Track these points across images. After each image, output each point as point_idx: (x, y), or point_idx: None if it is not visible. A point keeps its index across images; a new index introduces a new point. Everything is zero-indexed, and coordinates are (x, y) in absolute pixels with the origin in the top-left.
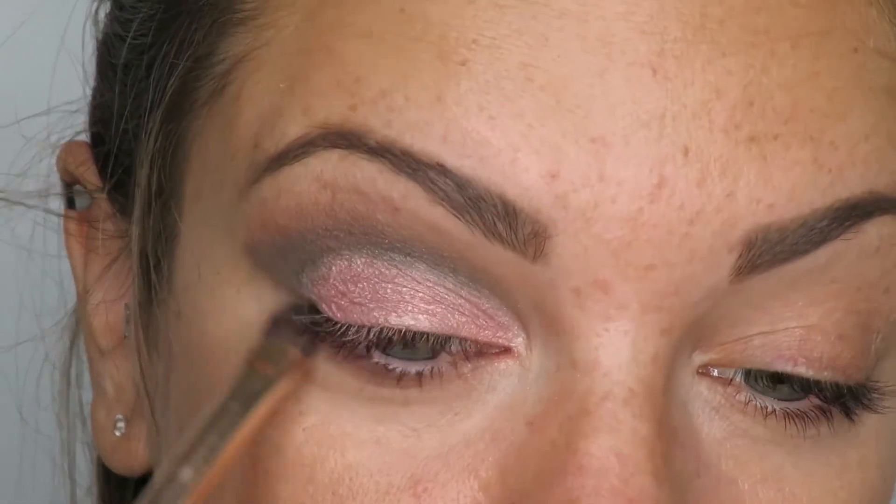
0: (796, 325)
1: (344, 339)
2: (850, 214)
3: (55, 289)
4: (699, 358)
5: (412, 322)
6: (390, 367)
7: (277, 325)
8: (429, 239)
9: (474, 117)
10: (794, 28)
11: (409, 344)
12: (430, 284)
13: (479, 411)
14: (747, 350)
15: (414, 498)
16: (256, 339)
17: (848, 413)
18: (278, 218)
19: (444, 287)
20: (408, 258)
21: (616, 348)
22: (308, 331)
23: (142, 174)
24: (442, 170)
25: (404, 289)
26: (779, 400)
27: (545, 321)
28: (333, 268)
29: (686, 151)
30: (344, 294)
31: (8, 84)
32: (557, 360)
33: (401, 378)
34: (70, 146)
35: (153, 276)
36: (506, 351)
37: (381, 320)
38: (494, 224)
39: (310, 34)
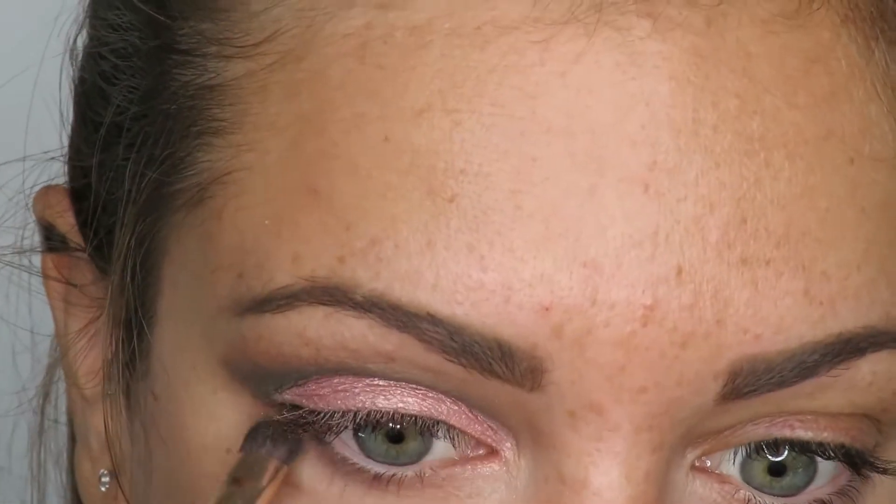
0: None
1: (330, 422)
2: (843, 350)
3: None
4: (692, 454)
5: (401, 405)
6: (373, 471)
7: (256, 432)
8: (423, 379)
9: (464, 260)
10: (791, 134)
11: (397, 430)
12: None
13: None
14: (741, 434)
15: None
16: (234, 447)
17: (858, 468)
18: (258, 359)
19: (435, 390)
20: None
21: (607, 467)
22: (288, 436)
23: (117, 263)
24: (433, 320)
25: (391, 390)
26: (778, 497)
27: (536, 435)
28: (315, 384)
29: (679, 271)
30: (326, 387)
31: None
32: (546, 472)
33: (380, 482)
34: (47, 191)
35: (135, 345)
36: (492, 453)
37: (368, 403)
38: (490, 365)
39: (294, 169)
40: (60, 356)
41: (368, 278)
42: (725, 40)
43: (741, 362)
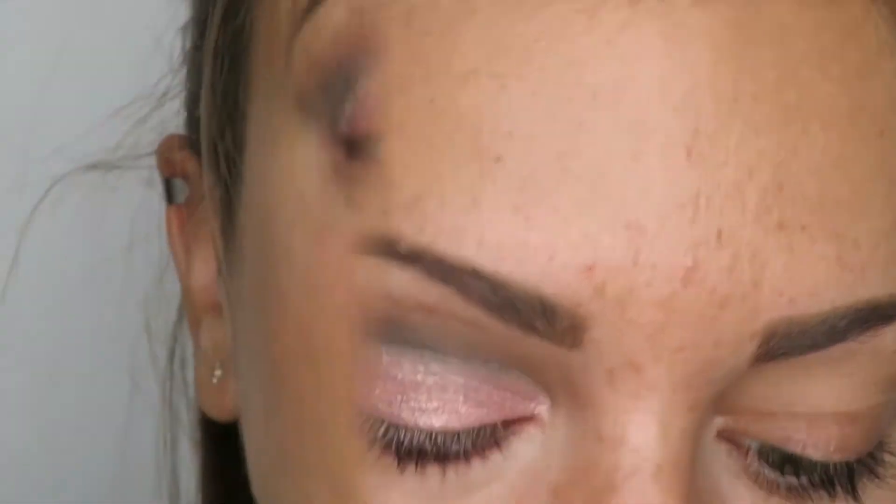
0: (808, 411)
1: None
2: (871, 316)
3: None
4: (719, 422)
5: (442, 422)
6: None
7: None
8: (464, 333)
9: (509, 219)
10: (826, 106)
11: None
12: (462, 380)
13: (499, 478)
14: (762, 423)
15: None
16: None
17: (853, 489)
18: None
19: (477, 380)
20: (440, 354)
21: (645, 425)
22: None
23: (206, 79)
24: (476, 275)
25: (433, 391)
26: (784, 476)
27: (573, 394)
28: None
29: (719, 234)
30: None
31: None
32: (583, 430)
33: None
34: (167, 139)
35: (229, 193)
36: (529, 419)
37: (411, 420)
38: (532, 321)
39: None
40: (183, 297)
41: (413, 232)
42: (762, 13)
43: (777, 324)
